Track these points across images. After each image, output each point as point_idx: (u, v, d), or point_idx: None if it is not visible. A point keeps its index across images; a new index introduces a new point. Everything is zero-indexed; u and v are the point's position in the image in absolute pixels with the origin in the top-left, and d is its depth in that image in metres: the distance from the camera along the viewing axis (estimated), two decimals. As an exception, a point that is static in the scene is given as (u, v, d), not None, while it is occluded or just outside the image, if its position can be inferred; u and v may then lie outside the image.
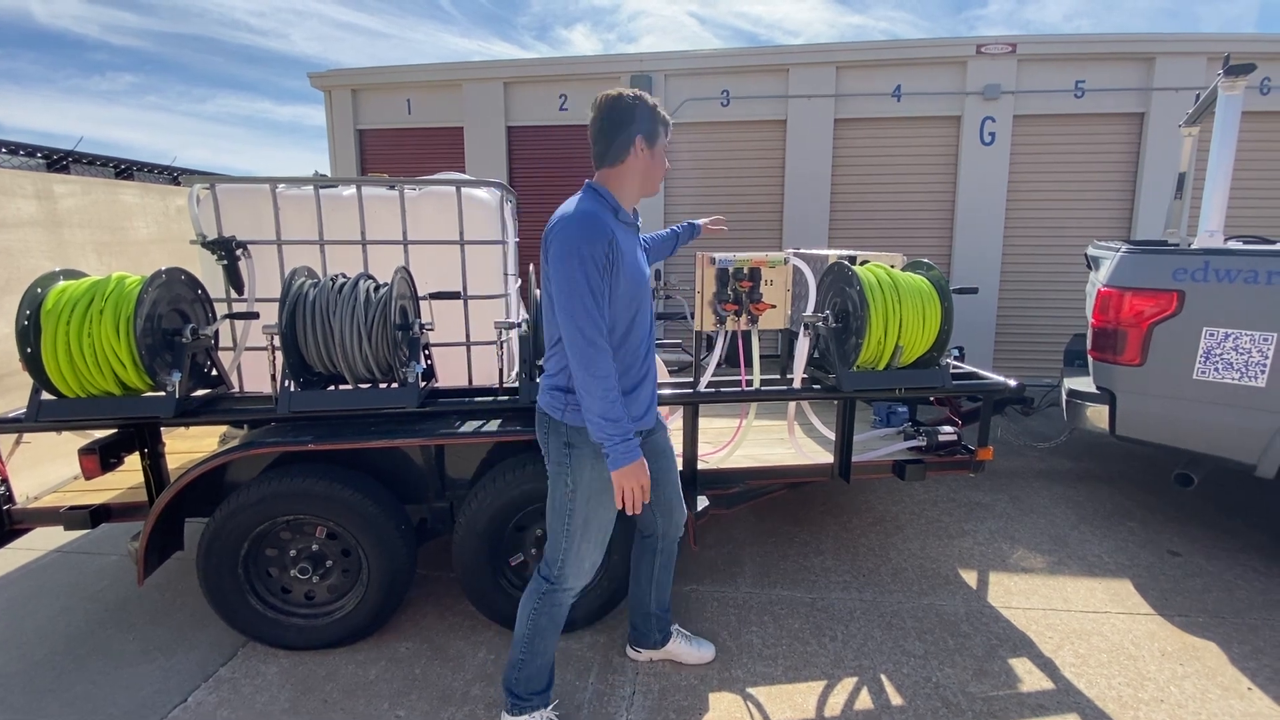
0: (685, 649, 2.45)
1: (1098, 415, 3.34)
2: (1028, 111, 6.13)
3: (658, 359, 3.20)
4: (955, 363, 3.14)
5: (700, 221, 2.69)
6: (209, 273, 2.92)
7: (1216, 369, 3.00)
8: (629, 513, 1.81)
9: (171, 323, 2.47)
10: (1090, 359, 3.40)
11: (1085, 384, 3.46)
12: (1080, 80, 6.04)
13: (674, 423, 3.05)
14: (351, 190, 2.96)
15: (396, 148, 7.06)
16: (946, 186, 6.38)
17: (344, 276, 2.54)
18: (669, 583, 2.37)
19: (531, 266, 3.00)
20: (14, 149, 5.23)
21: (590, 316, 1.69)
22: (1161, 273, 3.08)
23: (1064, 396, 3.57)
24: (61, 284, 2.37)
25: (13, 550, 3.23)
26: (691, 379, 2.84)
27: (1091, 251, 3.95)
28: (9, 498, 2.56)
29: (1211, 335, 2.99)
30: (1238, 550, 3.30)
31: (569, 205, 1.79)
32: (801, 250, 4.28)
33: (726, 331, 2.83)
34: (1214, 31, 6.96)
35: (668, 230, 2.55)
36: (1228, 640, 2.59)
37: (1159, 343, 3.10)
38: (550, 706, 2.10)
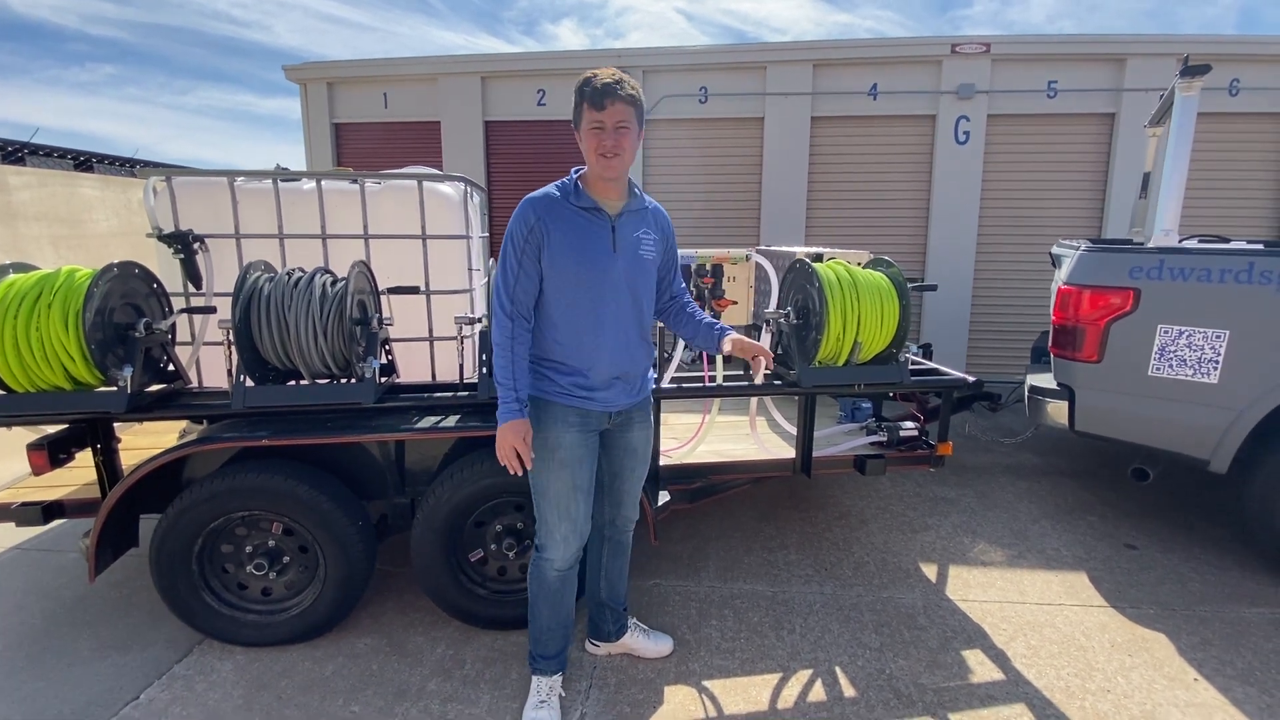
0: (642, 642, 2.46)
1: (1058, 411, 3.39)
2: (1001, 111, 6.19)
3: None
4: (915, 358, 3.17)
5: (725, 338, 2.13)
6: (167, 267, 2.89)
7: (1171, 365, 3.05)
8: (510, 469, 1.90)
9: (124, 317, 2.44)
10: (1051, 355, 3.45)
11: (1047, 380, 3.51)
12: (1053, 80, 6.11)
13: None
14: (312, 184, 2.93)
15: (373, 141, 7.01)
16: (921, 185, 6.43)
17: (301, 271, 2.52)
18: (622, 574, 2.38)
19: (492, 261, 2.99)
20: (-36, 141, 5.11)
21: (498, 287, 1.88)
22: (1118, 271, 3.13)
23: (1026, 393, 3.62)
24: (10, 277, 2.34)
25: (-32, 548, 3.19)
26: (654, 374, 2.85)
27: (1055, 250, 4.00)
28: (-41, 494, 2.52)
29: (1166, 332, 3.04)
30: (1193, 544, 3.37)
31: None
32: (771, 247, 4.30)
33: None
34: (1191, 33, 7.08)
35: (702, 320, 2.20)
36: (1177, 632, 2.64)
37: (1116, 340, 3.15)
38: (557, 676, 2.20)
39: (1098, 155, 6.26)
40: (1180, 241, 3.28)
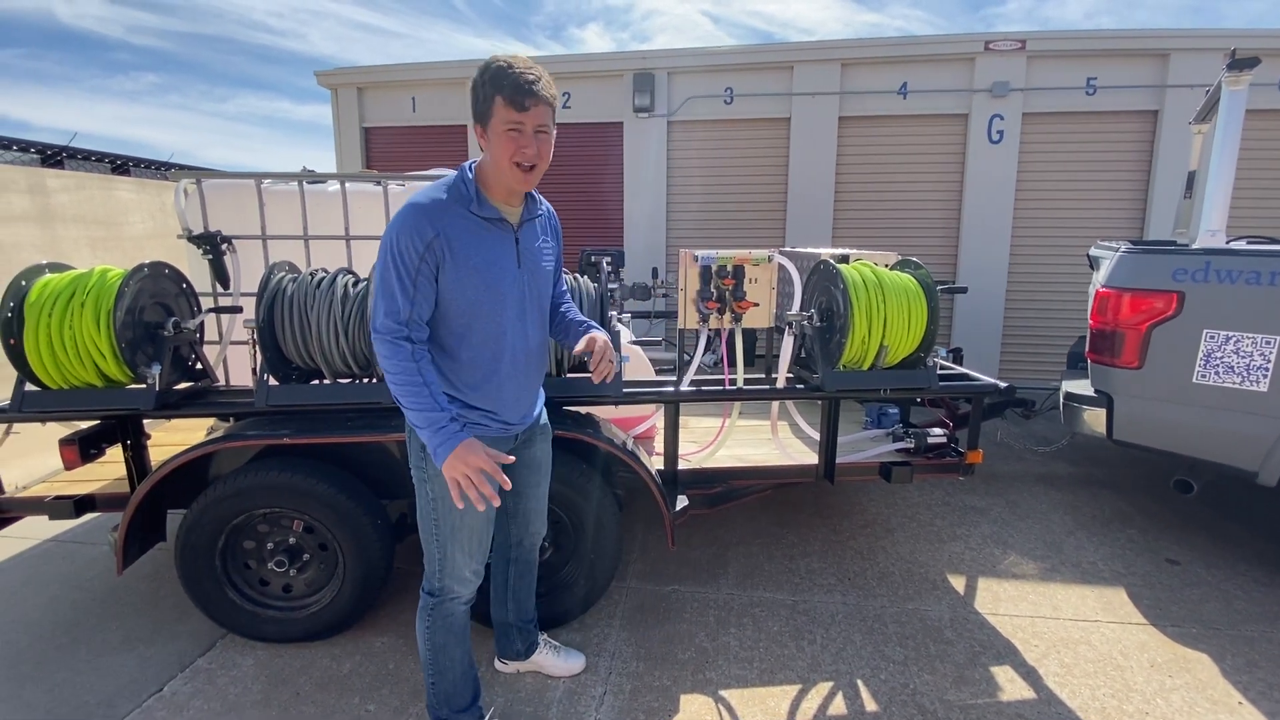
0: (552, 660, 2.35)
1: (1095, 419, 3.26)
2: (1037, 109, 6.01)
3: (642, 354, 3.20)
4: (943, 363, 3.08)
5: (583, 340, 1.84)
6: (198, 267, 2.95)
7: (1217, 373, 2.91)
8: (477, 506, 1.60)
9: (154, 316, 2.50)
10: (1088, 361, 3.32)
11: (1084, 387, 3.39)
12: (1092, 77, 5.91)
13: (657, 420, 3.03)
14: (337, 186, 2.97)
15: (401, 145, 7.10)
16: (953, 185, 6.28)
17: (324, 271, 2.55)
18: (530, 592, 2.27)
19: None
20: (7, 144, 5.30)
21: (379, 311, 1.59)
22: (1161, 273, 3.00)
23: (1062, 399, 3.49)
24: (46, 277, 2.41)
25: (8, 539, 3.30)
26: (674, 377, 2.81)
27: (1093, 251, 3.86)
28: (-2, 487, 2.60)
29: (1212, 338, 2.90)
30: (1240, 560, 3.20)
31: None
32: (796, 249, 4.24)
33: (709, 329, 2.81)
34: (1238, 27, 6.81)
35: (577, 320, 1.96)
36: (1222, 653, 2.51)
37: (1158, 345, 3.01)
38: (487, 716, 2.06)
39: (1140, 154, 6.04)
40: (1227, 243, 3.13)
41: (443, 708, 1.96)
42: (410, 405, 1.59)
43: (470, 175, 1.64)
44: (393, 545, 2.59)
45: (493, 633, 2.36)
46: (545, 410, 2.06)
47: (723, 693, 2.30)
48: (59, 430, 2.60)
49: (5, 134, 5.22)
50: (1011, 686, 2.32)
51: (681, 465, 2.84)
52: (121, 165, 6.44)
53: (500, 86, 1.52)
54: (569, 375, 2.65)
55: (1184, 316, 2.95)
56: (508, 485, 1.60)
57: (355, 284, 2.51)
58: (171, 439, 3.21)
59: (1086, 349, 3.31)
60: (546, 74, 1.58)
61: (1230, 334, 2.86)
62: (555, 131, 1.66)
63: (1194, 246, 3.06)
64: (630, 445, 2.63)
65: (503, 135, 1.55)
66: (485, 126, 1.58)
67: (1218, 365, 2.90)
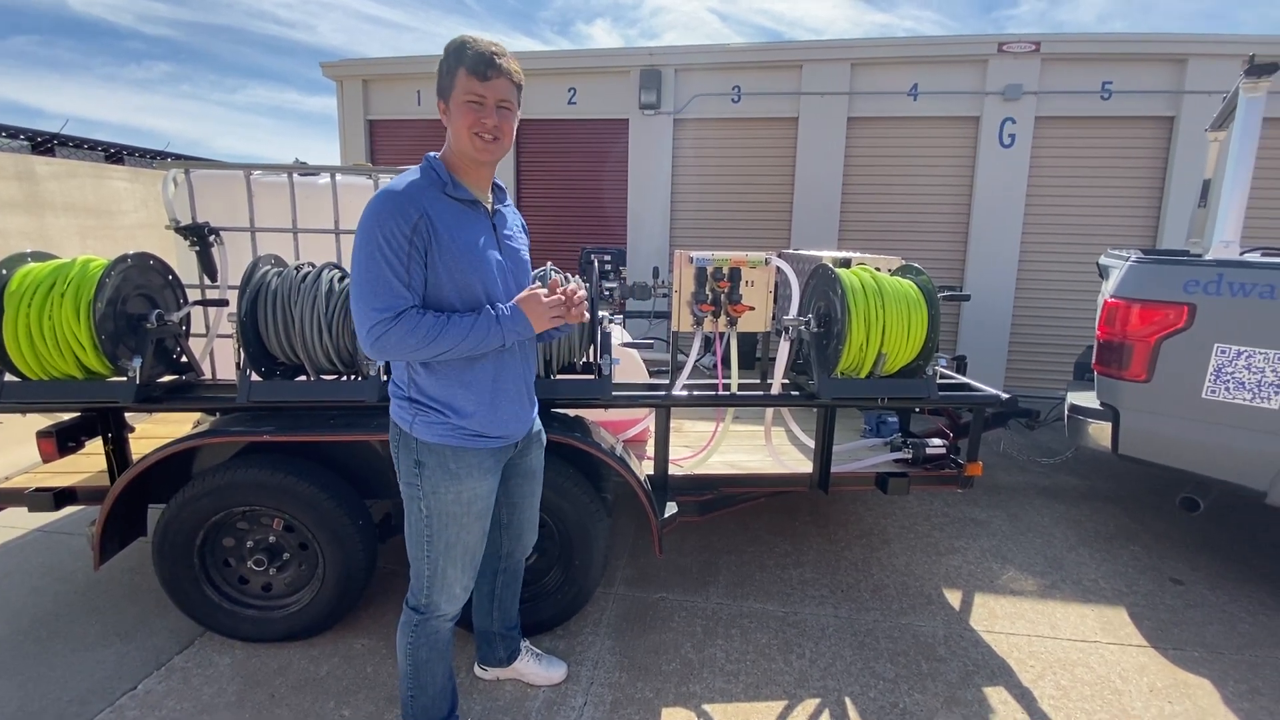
0: (533, 668, 2.30)
1: (1100, 432, 3.18)
2: (1051, 113, 5.90)
3: (635, 356, 3.13)
4: (945, 372, 3.00)
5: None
6: (188, 259, 2.91)
7: (1227, 388, 2.82)
8: (583, 319, 1.66)
9: (137, 307, 2.45)
10: (1095, 373, 3.23)
11: (1089, 399, 3.30)
12: (1108, 81, 5.79)
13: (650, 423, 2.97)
14: (328, 179, 2.92)
15: (406, 139, 7.06)
16: (962, 189, 6.17)
17: (310, 266, 2.50)
18: (513, 602, 2.22)
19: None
20: (-4, 130, 5.26)
21: (392, 293, 1.48)
22: (1172, 284, 2.91)
23: (1066, 411, 3.41)
24: (28, 266, 2.37)
25: (-5, 528, 3.28)
26: (668, 379, 2.75)
27: (1103, 260, 3.77)
28: (-21, 477, 2.57)
29: (1223, 352, 2.81)
30: (1246, 581, 3.11)
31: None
32: (799, 251, 4.16)
33: (704, 333, 2.75)
34: (1258, 34, 6.66)
35: None
36: (1223, 677, 2.43)
37: (1167, 358, 2.93)
38: None
39: (1154, 161, 5.91)
40: (1242, 254, 3.04)
41: (423, 715, 1.91)
42: (459, 338, 1.51)
43: (438, 162, 1.61)
44: (375, 546, 2.54)
45: (472, 638, 2.31)
46: (539, 418, 2.00)
47: (706, 707, 2.24)
48: (42, 421, 2.56)
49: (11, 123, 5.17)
50: (1005, 709, 2.25)
51: (673, 471, 2.78)
52: (116, 154, 6.38)
53: (463, 58, 1.50)
54: (557, 377, 2.59)
55: (1195, 330, 2.86)
56: (581, 303, 1.64)
57: (341, 279, 2.46)
58: (159, 431, 3.17)
59: (1093, 360, 3.23)
60: (511, 54, 1.56)
61: (1242, 349, 2.77)
62: (519, 112, 1.62)
63: (1207, 257, 2.97)
64: (619, 450, 2.57)
65: (463, 106, 1.52)
66: (447, 101, 1.55)
67: (1228, 381, 2.81)
